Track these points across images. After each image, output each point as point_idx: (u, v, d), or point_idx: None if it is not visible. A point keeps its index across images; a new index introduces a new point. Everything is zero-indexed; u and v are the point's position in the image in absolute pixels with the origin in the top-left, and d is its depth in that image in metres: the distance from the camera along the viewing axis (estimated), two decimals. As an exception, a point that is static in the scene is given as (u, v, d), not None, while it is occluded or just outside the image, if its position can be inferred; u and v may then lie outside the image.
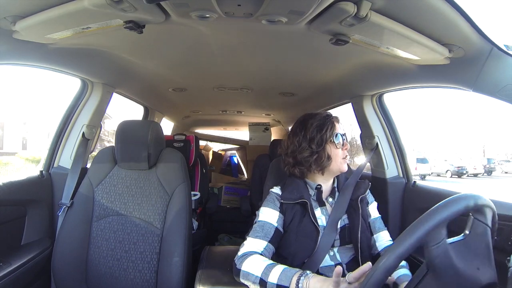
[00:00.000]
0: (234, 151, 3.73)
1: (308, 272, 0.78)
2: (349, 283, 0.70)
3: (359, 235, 0.95)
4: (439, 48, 0.85)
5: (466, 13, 0.71)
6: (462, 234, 0.59)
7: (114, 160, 1.30)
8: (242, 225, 2.38)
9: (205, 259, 1.10)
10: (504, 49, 0.79)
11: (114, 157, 1.30)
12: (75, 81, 1.39)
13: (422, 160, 16.65)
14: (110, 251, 1.19)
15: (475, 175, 16.55)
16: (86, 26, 0.85)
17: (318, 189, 1.01)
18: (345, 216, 0.99)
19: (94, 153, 1.42)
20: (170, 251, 1.16)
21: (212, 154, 3.64)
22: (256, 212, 1.01)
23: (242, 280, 0.86)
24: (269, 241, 0.93)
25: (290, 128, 2.30)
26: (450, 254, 0.56)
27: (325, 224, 0.97)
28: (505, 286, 0.62)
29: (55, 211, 1.29)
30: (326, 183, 1.03)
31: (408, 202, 1.38)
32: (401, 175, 1.46)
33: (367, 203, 1.04)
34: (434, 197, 1.22)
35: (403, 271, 0.93)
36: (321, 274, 0.87)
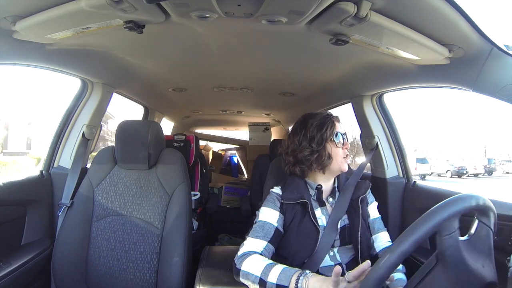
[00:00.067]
0: (234, 151, 3.73)
1: (307, 271, 0.78)
2: (348, 282, 0.70)
3: (359, 235, 0.95)
4: (439, 48, 0.85)
5: (466, 13, 0.71)
6: (467, 235, 0.60)
7: (114, 160, 1.30)
8: (242, 225, 2.38)
9: (205, 259, 1.10)
10: (504, 49, 0.79)
11: (114, 157, 1.30)
12: (76, 81, 1.39)
13: (422, 160, 16.67)
14: (110, 251, 1.19)
15: (476, 175, 16.55)
16: (86, 26, 0.85)
17: (319, 189, 1.01)
18: (345, 216, 0.99)
19: (94, 153, 1.42)
20: (170, 251, 1.16)
21: (212, 154, 3.64)
22: (256, 212, 1.02)
23: (242, 280, 0.86)
24: (269, 241, 0.93)
25: (290, 128, 2.30)
26: (460, 247, 0.57)
27: (325, 224, 0.97)
28: (505, 286, 0.62)
29: (55, 211, 1.29)
30: (327, 183, 1.03)
31: (408, 202, 1.38)
32: (401, 175, 1.46)
33: (367, 203, 1.04)
34: (434, 197, 1.22)
35: (398, 275, 0.92)
36: (321, 274, 0.87)
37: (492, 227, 0.61)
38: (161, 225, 1.20)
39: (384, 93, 1.42)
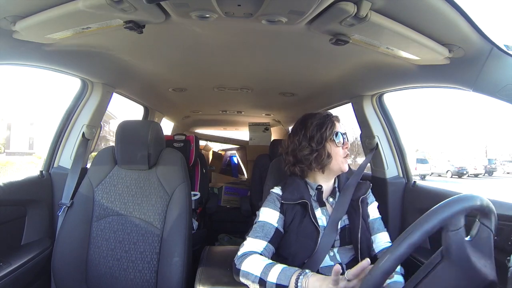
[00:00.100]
0: (234, 151, 3.73)
1: (307, 271, 0.78)
2: (348, 280, 0.70)
3: (359, 235, 0.94)
4: (439, 48, 0.84)
5: (466, 13, 0.71)
6: (469, 236, 0.61)
7: (114, 160, 1.30)
8: (242, 225, 2.38)
9: (205, 259, 1.10)
10: (504, 49, 0.79)
11: (114, 157, 1.30)
12: (76, 81, 1.39)
13: (422, 161, 16.68)
14: (110, 251, 1.19)
15: (476, 175, 16.55)
16: (86, 26, 0.85)
17: (319, 190, 1.01)
18: (345, 217, 0.99)
19: (94, 153, 1.42)
20: (170, 251, 1.16)
21: (212, 154, 3.64)
22: (257, 212, 1.02)
23: (241, 280, 0.86)
24: (269, 241, 0.93)
25: (290, 128, 2.30)
26: (465, 244, 0.57)
27: (325, 224, 0.97)
28: (505, 286, 0.62)
29: (55, 211, 1.29)
30: (327, 183, 1.03)
31: (408, 202, 1.38)
32: (401, 175, 1.46)
33: (367, 204, 1.04)
34: (434, 197, 1.22)
35: (396, 278, 0.92)
36: (321, 274, 0.87)
37: (493, 229, 0.62)
38: (161, 225, 1.20)
39: (384, 93, 1.42)
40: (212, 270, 1.00)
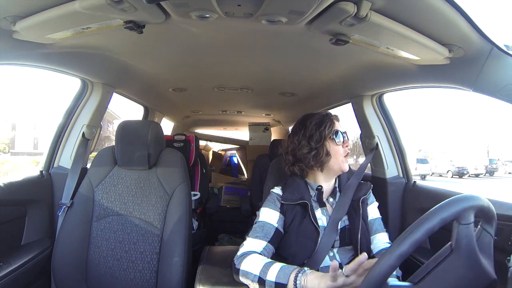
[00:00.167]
0: (234, 151, 3.73)
1: (305, 268, 0.79)
2: (346, 276, 0.70)
3: (359, 236, 0.94)
4: (439, 48, 0.84)
5: (466, 13, 0.70)
6: None
7: (114, 160, 1.30)
8: (242, 225, 2.38)
9: (205, 259, 1.10)
10: (504, 49, 0.78)
11: (114, 157, 1.30)
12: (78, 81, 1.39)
13: (422, 161, 16.71)
14: (110, 251, 1.19)
15: (477, 175, 16.55)
16: (86, 26, 0.85)
17: (319, 190, 1.00)
18: (345, 217, 0.99)
19: (94, 153, 1.42)
20: (170, 251, 1.16)
21: (212, 154, 3.64)
22: (257, 212, 1.02)
23: (241, 280, 0.86)
24: (269, 241, 0.93)
25: (290, 128, 2.30)
26: (474, 240, 0.59)
27: (325, 224, 0.96)
28: (505, 286, 0.62)
29: (55, 211, 1.29)
30: (328, 183, 1.03)
31: (408, 202, 1.38)
32: (401, 175, 1.46)
33: (367, 204, 1.04)
34: (434, 197, 1.22)
35: (392, 281, 0.92)
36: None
37: (493, 235, 0.64)
38: (161, 225, 1.20)
39: (384, 93, 1.42)
40: (212, 270, 1.00)
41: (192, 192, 1.50)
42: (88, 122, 1.41)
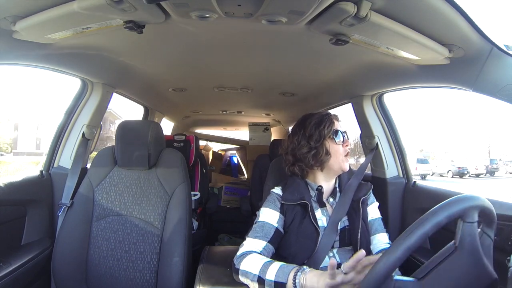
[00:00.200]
0: (234, 151, 3.73)
1: (304, 267, 0.79)
2: (345, 273, 0.70)
3: (359, 237, 0.94)
4: (439, 48, 0.84)
5: (466, 13, 0.70)
6: None
7: (114, 160, 1.30)
8: (242, 225, 2.38)
9: (205, 259, 1.10)
10: (504, 49, 0.78)
11: (114, 157, 1.30)
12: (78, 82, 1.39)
13: (422, 161, 16.70)
14: (110, 251, 1.19)
15: (477, 175, 16.54)
16: (86, 26, 0.85)
17: (319, 190, 1.00)
18: (345, 218, 0.99)
19: (94, 153, 1.42)
20: (170, 251, 1.16)
21: (212, 154, 3.64)
22: (257, 212, 1.02)
23: (241, 279, 0.86)
24: (269, 241, 0.93)
25: (290, 128, 2.30)
26: (477, 239, 0.59)
27: (325, 225, 0.96)
28: (505, 286, 0.62)
29: (55, 211, 1.29)
30: (328, 183, 1.03)
31: (408, 202, 1.38)
32: (401, 175, 1.46)
33: (367, 204, 1.04)
34: (434, 197, 1.22)
35: (397, 275, 0.92)
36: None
37: (492, 238, 0.64)
38: (161, 225, 1.20)
39: (384, 93, 1.42)
40: (212, 270, 1.00)
41: (192, 192, 1.50)
42: (88, 122, 1.41)
